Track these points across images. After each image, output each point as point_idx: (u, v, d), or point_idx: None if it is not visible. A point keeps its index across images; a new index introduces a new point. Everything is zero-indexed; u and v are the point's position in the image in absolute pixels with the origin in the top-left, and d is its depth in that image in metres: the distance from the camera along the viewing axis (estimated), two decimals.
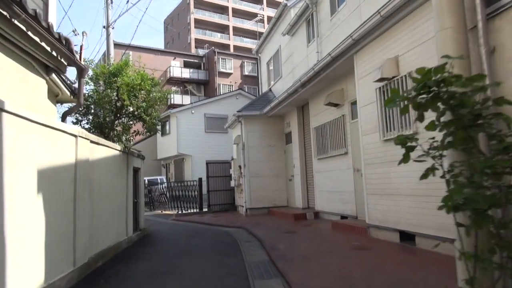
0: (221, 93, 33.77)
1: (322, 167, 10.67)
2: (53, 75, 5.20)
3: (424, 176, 2.32)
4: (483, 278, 2.24)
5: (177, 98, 37.19)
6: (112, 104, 8.19)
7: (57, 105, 7.30)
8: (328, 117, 10.12)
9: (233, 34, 53.67)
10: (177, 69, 38.94)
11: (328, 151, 10.17)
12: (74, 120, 8.32)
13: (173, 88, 37.39)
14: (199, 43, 49.99)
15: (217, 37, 52.31)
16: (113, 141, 8.14)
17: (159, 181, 22.45)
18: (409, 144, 2.31)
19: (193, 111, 26.75)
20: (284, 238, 8.07)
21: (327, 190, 10.39)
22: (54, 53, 4.67)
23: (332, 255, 6.10)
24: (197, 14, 51.60)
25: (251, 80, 40.32)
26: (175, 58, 39.88)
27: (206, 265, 6.09)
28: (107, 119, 8.33)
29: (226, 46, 50.40)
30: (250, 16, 53.81)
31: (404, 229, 6.24)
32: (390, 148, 6.49)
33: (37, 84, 4.74)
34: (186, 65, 40.50)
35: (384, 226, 6.78)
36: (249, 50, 48.02)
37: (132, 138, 9.03)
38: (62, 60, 4.87)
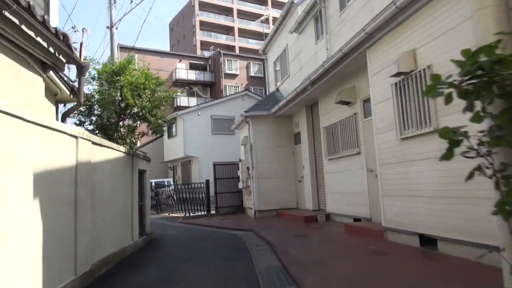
0: (227, 95, 33.51)
1: (333, 167, 10.33)
2: (51, 72, 4.93)
3: (470, 176, 1.96)
4: None
5: (183, 100, 37.06)
6: (115, 104, 7.91)
7: (59, 105, 7.08)
8: (339, 116, 9.78)
9: (239, 36, 53.48)
10: (183, 71, 38.80)
11: (339, 151, 9.82)
12: (77, 122, 8.07)
13: (179, 91, 37.15)
14: (205, 45, 49.88)
15: (222, 39, 52.17)
16: (118, 143, 7.86)
17: (166, 183, 22.23)
18: (454, 137, 1.93)
19: (199, 113, 26.55)
20: (296, 242, 7.74)
21: (338, 191, 10.04)
22: (51, 50, 4.40)
23: (347, 260, 5.75)
24: (202, 16, 51.50)
25: (258, 81, 40.08)
26: (180, 60, 39.77)
27: (215, 272, 5.78)
28: (111, 120, 8.04)
29: (232, 48, 50.22)
30: (255, 17, 53.61)
31: (424, 232, 5.87)
32: (408, 147, 6.14)
33: (33, 82, 4.47)
34: (192, 67, 40.37)
35: (402, 229, 6.42)
36: (254, 51, 47.77)
37: (137, 139, 8.75)
38: (60, 57, 4.59)
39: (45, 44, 4.26)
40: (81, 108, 7.71)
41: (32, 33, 3.95)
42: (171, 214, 17.74)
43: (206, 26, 51.79)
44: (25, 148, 3.68)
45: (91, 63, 7.72)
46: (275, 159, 13.55)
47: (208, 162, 21.51)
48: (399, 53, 6.25)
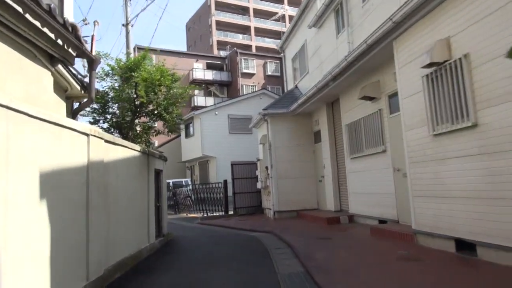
0: (244, 94, 33.22)
1: (356, 167, 9.87)
2: (60, 66, 4.66)
3: None
4: None
5: (200, 100, 37.05)
6: (130, 101, 7.64)
7: (73, 104, 6.85)
8: (362, 113, 9.32)
9: (255, 35, 53.18)
10: (200, 71, 38.72)
11: (363, 150, 9.36)
12: (91, 120, 7.84)
13: (196, 91, 37.15)
14: (221, 45, 49.78)
15: (238, 38, 51.96)
16: (133, 142, 7.61)
17: (184, 183, 22.10)
18: None
19: (216, 112, 26.38)
20: (319, 245, 7.34)
21: (362, 191, 9.58)
22: (59, 42, 4.12)
23: (377, 266, 5.33)
24: (218, 16, 51.42)
25: (274, 80, 39.73)
26: (197, 60, 39.73)
27: (235, 278, 5.44)
28: (126, 118, 7.78)
29: (248, 47, 49.94)
30: (272, 16, 53.22)
31: (461, 237, 5.40)
32: (442, 143, 5.67)
33: (40, 76, 4.20)
34: (209, 67, 40.30)
35: (435, 233, 5.95)
36: (271, 50, 47.43)
37: (152, 138, 8.47)
38: (70, 50, 4.32)
39: (52, 36, 3.99)
40: (95, 106, 7.50)
41: (37, 23, 3.67)
42: (189, 215, 17.53)
43: (222, 26, 51.68)
44: (30, 146, 3.40)
45: (104, 59, 7.47)
46: (294, 158, 13.15)
47: (226, 161, 21.28)
48: (430, 42, 5.79)
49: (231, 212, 15.67)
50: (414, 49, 6.26)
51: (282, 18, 50.72)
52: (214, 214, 15.87)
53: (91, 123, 7.77)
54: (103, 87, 7.90)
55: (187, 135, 27.94)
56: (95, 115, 7.79)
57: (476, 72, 4.98)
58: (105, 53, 7.65)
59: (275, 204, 12.87)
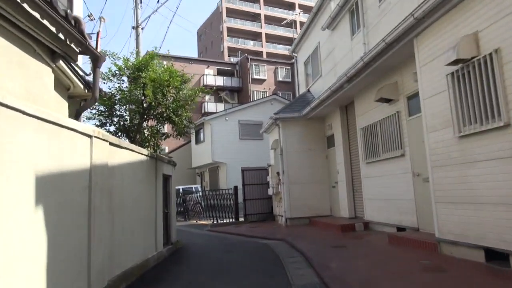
0: (255, 100, 33.01)
1: (372, 172, 9.47)
2: (62, 63, 4.40)
3: None
4: None
5: (211, 106, 36.97)
6: (138, 103, 7.36)
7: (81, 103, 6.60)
8: (378, 115, 8.94)
9: (266, 41, 53.13)
10: (211, 77, 38.67)
11: (379, 154, 8.97)
12: (98, 123, 7.57)
13: (207, 97, 37.08)
14: (232, 51, 49.80)
15: (249, 45, 51.95)
16: (141, 146, 7.34)
17: (194, 189, 21.86)
18: None
19: (227, 118, 26.19)
20: (334, 254, 6.95)
21: (378, 197, 9.17)
22: (61, 36, 3.87)
23: (400, 278, 4.94)
24: (229, 22, 51.53)
25: (285, 86, 39.53)
26: (208, 66, 39.73)
27: None
28: (134, 121, 7.50)
29: (259, 53, 49.87)
30: (283, 22, 53.10)
31: (491, 246, 4.98)
32: (469, 146, 5.27)
33: (40, 73, 3.94)
34: (220, 73, 40.24)
35: (461, 242, 5.53)
36: (282, 56, 47.27)
37: (161, 142, 8.17)
38: (72, 45, 4.06)
39: (53, 29, 3.73)
40: (101, 108, 7.24)
41: (37, 15, 3.42)
42: (198, 221, 17.22)
43: (233, 32, 51.75)
44: (25, 147, 3.13)
45: (111, 58, 7.23)
46: (307, 164, 12.78)
47: (236, 167, 21.01)
48: (455, 38, 5.42)
49: (241, 219, 15.33)
50: (437, 46, 5.89)
51: (293, 24, 50.50)
52: (224, 221, 15.55)
53: (97, 125, 7.51)
54: (110, 89, 7.63)
55: (197, 141, 27.80)
56: (101, 117, 7.54)
57: (508, 68, 4.60)
58: (112, 52, 7.43)
59: (287, 211, 12.50)
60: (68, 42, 3.99)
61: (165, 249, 7.84)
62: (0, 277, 2.74)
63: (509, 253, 4.73)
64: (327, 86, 11.15)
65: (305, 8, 53.37)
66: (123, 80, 7.51)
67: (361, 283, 4.86)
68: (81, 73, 5.38)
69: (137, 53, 10.17)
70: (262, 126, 16.61)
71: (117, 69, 7.50)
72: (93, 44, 4.55)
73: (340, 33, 11.82)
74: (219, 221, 15.51)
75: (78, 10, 6.15)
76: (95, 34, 5.36)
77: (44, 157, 3.42)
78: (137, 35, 10.93)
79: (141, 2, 11.25)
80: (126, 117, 7.65)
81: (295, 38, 17.36)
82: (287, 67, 40.53)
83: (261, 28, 53.37)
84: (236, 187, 15.74)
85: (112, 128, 7.64)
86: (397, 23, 6.67)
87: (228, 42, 50.75)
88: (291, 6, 54.88)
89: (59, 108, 4.66)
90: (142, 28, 11.25)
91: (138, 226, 6.29)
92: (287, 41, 50.30)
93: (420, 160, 7.34)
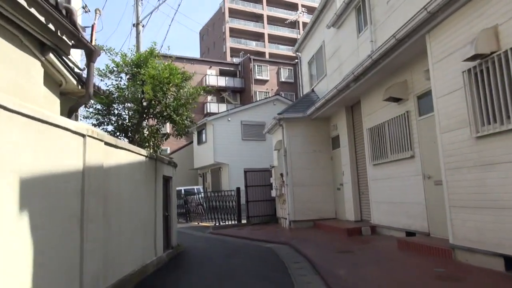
0: (258, 100, 32.76)
1: (379, 174, 9.15)
2: (52, 57, 4.10)
3: None
4: None
5: (213, 107, 36.74)
6: (137, 102, 7.05)
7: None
8: (386, 116, 8.63)
9: (269, 42, 52.89)
10: (213, 78, 38.42)
11: (387, 156, 8.65)
12: (95, 122, 7.26)
13: (209, 98, 36.80)
14: (235, 51, 49.58)
15: (252, 45, 51.71)
16: (141, 146, 7.04)
17: (195, 191, 21.59)
18: None
19: (229, 119, 25.93)
20: (341, 260, 6.64)
21: (386, 200, 8.85)
22: (52, 27, 3.57)
23: (413, 287, 4.63)
24: (232, 23, 51.33)
25: (288, 87, 39.27)
26: (210, 66, 39.50)
27: None
28: (132, 120, 7.18)
29: (262, 54, 49.62)
30: (285, 23, 52.82)
31: (511, 253, 4.67)
32: (488, 147, 4.95)
33: (28, 66, 3.64)
34: (222, 73, 40.00)
35: (478, 249, 5.21)
36: (285, 57, 47.00)
37: (161, 142, 7.85)
38: (64, 37, 3.76)
39: (43, 20, 3.44)
40: (98, 107, 6.94)
41: (23, 2, 3.13)
42: (200, 223, 16.93)
43: (236, 33, 51.54)
44: (8, 147, 2.84)
45: (108, 54, 6.92)
46: (311, 165, 12.47)
47: (239, 169, 20.73)
48: (472, 32, 5.11)
49: (244, 221, 15.01)
50: (452, 42, 5.58)
51: (296, 24, 50.21)
52: (227, 223, 15.24)
53: (94, 125, 7.21)
54: (107, 86, 7.32)
55: (199, 142, 27.55)
56: (99, 116, 7.23)
57: None
58: (109, 47, 7.11)
59: (291, 213, 12.18)
60: (59, 34, 3.70)
61: (165, 254, 7.54)
62: None
63: None
64: (332, 86, 10.84)
65: (308, 9, 53.08)
66: (121, 77, 7.21)
67: None
68: (74, 68, 5.07)
69: (138, 50, 9.87)
70: (265, 127, 16.32)
71: (114, 65, 7.19)
72: (87, 37, 4.26)
73: (346, 31, 11.50)
74: (221, 223, 15.21)
75: (75, 1, 5.85)
76: (91, 28, 5.09)
77: (31, 158, 3.12)
78: (138, 33, 10.64)
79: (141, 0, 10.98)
80: (125, 116, 7.34)
81: (298, 38, 17.06)
82: (290, 67, 40.27)
83: (263, 28, 53.13)
84: (238, 189, 15.44)
85: (110, 128, 7.35)
86: (407, 19, 6.36)
87: (230, 43, 50.55)
88: (293, 7, 54.57)
89: (50, 105, 4.36)
90: (143, 26, 10.97)
91: (136, 230, 5.99)
92: (290, 41, 50.04)
93: (432, 162, 7.02)
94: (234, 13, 51.90)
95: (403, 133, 7.94)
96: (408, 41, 6.52)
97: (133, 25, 10.81)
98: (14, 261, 2.89)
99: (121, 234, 5.24)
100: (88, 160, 4.08)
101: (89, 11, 5.79)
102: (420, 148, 7.45)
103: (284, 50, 51.71)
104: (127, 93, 6.94)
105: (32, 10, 3.26)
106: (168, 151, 28.73)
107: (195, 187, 24.47)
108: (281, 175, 13.12)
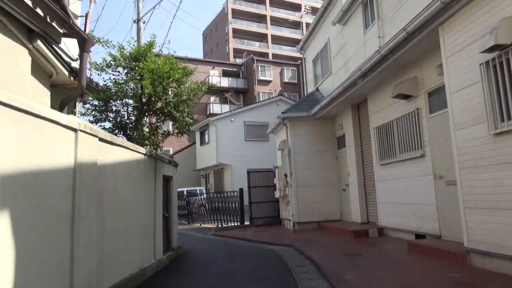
0: (261, 100, 32.52)
1: (387, 174, 8.84)
2: (42, 45, 3.82)
3: None
4: None
5: (216, 108, 36.54)
6: (136, 97, 6.77)
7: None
8: (395, 113, 8.32)
9: (272, 42, 52.67)
10: (216, 78, 38.21)
11: (396, 155, 8.34)
12: (92, 119, 6.98)
13: (212, 98, 36.57)
14: (238, 52, 49.42)
15: (255, 46, 51.55)
16: (140, 144, 6.76)
17: (198, 192, 21.34)
18: None
19: (232, 119, 25.70)
20: (349, 263, 6.33)
21: (394, 202, 8.53)
22: (39, 12, 3.30)
23: None
24: (235, 24, 51.16)
25: (291, 87, 39.05)
26: (213, 67, 39.33)
27: None
28: (132, 117, 6.90)
29: (265, 55, 49.42)
30: (289, 23, 52.56)
31: None
32: (508, 144, 4.64)
33: (14, 54, 3.37)
34: (225, 74, 39.81)
35: (496, 253, 4.90)
36: (288, 57, 46.73)
37: (161, 140, 7.57)
38: (54, 24, 3.49)
39: (29, 3, 3.17)
40: (96, 103, 6.67)
41: None
42: (202, 225, 16.65)
43: (239, 34, 51.37)
44: None
45: (105, 47, 6.66)
46: (316, 165, 12.17)
47: (241, 169, 20.47)
48: (490, 23, 4.81)
49: (247, 223, 14.73)
50: (468, 34, 5.27)
51: (300, 25, 49.99)
52: (229, 224, 14.96)
53: (91, 122, 6.94)
54: (105, 81, 7.04)
55: (202, 142, 27.34)
56: (96, 113, 6.95)
57: None
58: (106, 39, 6.83)
59: (295, 215, 11.88)
60: (48, 20, 3.43)
61: (165, 256, 7.26)
62: None
63: None
64: (337, 84, 10.54)
65: (311, 9, 52.85)
66: (118, 72, 6.93)
67: None
68: (70, 62, 4.81)
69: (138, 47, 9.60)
70: (268, 127, 16.06)
71: (112, 59, 6.90)
72: (81, 26, 3.99)
73: (352, 28, 11.20)
74: (224, 225, 14.93)
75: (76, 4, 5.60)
76: (85, 17, 4.82)
77: (14, 154, 2.85)
78: (138, 30, 10.39)
79: None
80: (123, 112, 7.07)
81: (301, 39, 16.78)
82: (293, 68, 40.04)
83: (266, 29, 52.95)
84: (241, 190, 15.16)
85: (108, 125, 7.07)
86: (417, 13, 6.06)
87: (233, 44, 50.37)
88: (297, 7, 54.40)
89: (40, 97, 4.08)
90: (144, 22, 10.71)
91: (134, 231, 5.71)
92: (293, 42, 49.79)
93: (443, 161, 6.71)
94: (237, 14, 51.73)
95: (413, 131, 7.63)
96: (419, 34, 6.21)
97: (134, 21, 10.57)
98: None
99: (117, 236, 4.97)
100: (80, 156, 3.81)
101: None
102: (431, 146, 7.15)
103: (287, 51, 51.49)
104: (125, 88, 6.66)
105: None
106: (171, 152, 28.51)
107: (197, 188, 24.22)
108: (285, 175, 12.83)
